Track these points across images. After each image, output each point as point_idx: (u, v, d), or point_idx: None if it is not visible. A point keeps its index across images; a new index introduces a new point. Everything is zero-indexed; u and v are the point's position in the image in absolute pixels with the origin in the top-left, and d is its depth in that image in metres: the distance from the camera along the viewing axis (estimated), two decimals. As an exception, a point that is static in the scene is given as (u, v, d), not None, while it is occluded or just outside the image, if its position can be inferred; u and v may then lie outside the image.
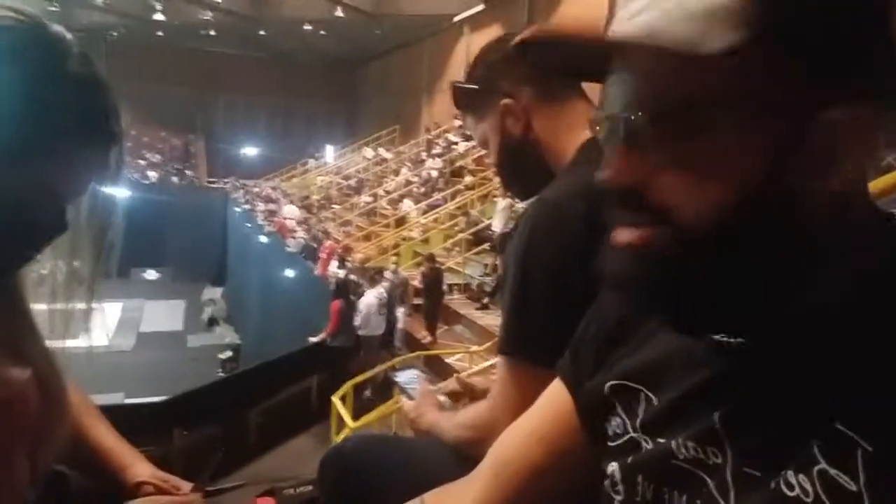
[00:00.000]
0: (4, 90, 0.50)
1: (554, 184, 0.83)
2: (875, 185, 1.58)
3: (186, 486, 0.76)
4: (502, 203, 8.00)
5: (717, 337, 0.42)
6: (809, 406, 0.37)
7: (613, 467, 0.49)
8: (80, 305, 0.65)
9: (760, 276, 0.36)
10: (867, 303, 0.37)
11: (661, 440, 0.45)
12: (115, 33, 17.36)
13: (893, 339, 0.35)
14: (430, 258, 7.67)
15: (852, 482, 0.33)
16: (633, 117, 0.36)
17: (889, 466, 0.32)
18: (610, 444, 0.50)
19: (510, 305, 0.80)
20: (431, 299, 7.26)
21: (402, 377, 1.07)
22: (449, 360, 6.22)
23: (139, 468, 0.74)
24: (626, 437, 0.49)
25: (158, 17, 16.23)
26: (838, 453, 0.34)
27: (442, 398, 0.98)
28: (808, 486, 0.35)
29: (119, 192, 0.63)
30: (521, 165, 0.91)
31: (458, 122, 12.08)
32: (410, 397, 1.01)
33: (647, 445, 0.46)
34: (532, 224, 0.79)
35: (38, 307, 0.63)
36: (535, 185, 0.85)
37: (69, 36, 0.55)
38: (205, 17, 16.83)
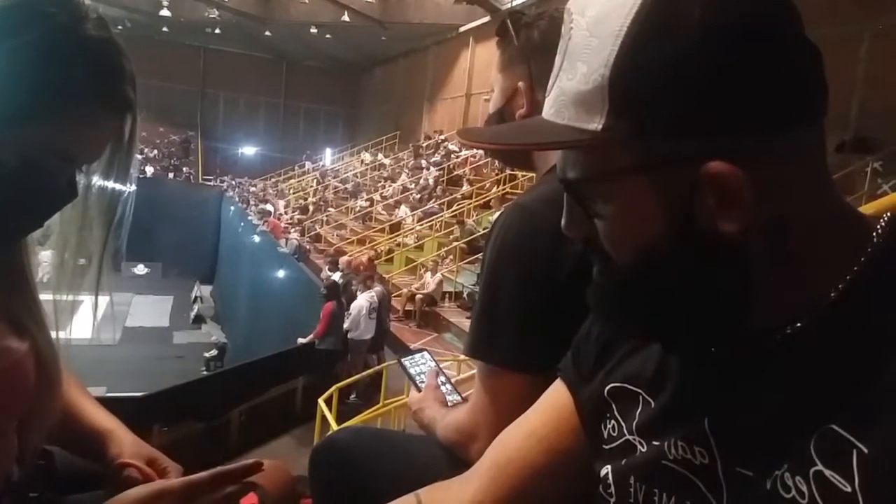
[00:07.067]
0: (21, 49, 0.49)
1: (530, 189, 0.83)
2: (872, 208, 1.58)
3: (173, 465, 0.71)
4: (498, 214, 8.00)
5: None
6: (805, 408, 0.37)
7: (607, 470, 0.49)
8: (84, 297, 0.63)
9: (706, 300, 0.39)
10: (856, 307, 0.37)
11: (656, 443, 0.45)
12: (120, 27, 17.41)
13: (887, 340, 0.35)
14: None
15: (847, 484, 0.33)
16: (566, 179, 0.42)
17: (884, 468, 0.32)
18: (604, 446, 0.50)
19: (479, 307, 0.80)
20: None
21: (411, 362, 1.03)
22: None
23: (120, 436, 0.70)
24: (621, 440, 0.49)
25: (165, 13, 16.27)
26: (834, 454, 0.34)
27: (449, 397, 0.96)
28: (803, 488, 0.35)
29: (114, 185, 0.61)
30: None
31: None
32: (418, 388, 0.99)
33: (642, 448, 0.47)
34: (504, 229, 0.79)
35: (44, 297, 0.61)
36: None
37: (88, 1, 0.55)
38: (211, 16, 16.88)
